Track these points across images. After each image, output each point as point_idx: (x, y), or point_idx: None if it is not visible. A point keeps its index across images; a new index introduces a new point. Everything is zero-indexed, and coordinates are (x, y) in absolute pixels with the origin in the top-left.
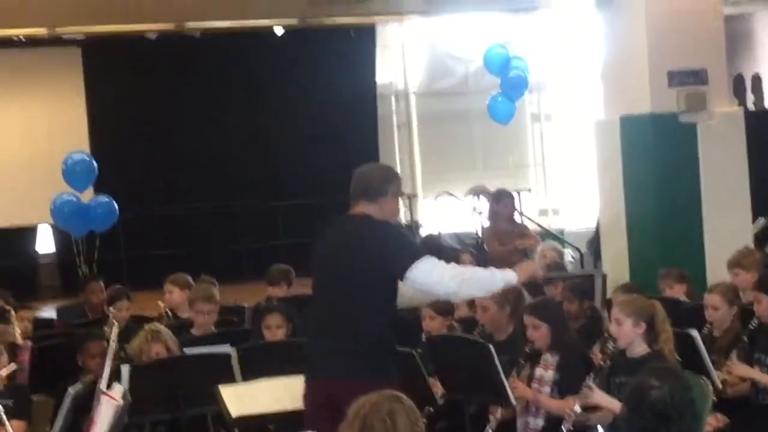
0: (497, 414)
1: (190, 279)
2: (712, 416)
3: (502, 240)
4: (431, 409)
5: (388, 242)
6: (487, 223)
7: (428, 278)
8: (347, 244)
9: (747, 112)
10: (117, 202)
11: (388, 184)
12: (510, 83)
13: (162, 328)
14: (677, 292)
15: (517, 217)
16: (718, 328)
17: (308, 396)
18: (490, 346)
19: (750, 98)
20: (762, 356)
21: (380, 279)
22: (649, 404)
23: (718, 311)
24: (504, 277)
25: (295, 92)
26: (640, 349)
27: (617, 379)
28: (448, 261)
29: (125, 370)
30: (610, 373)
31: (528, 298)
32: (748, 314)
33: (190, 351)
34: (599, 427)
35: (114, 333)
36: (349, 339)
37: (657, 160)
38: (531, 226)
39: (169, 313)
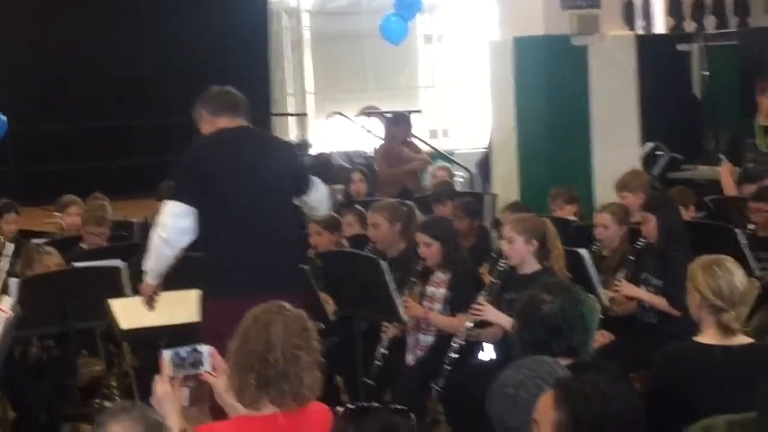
0: (389, 331)
1: (79, 200)
2: (598, 333)
3: (393, 161)
4: (322, 325)
5: (297, 155)
6: (378, 144)
7: (320, 193)
8: (263, 158)
9: (637, 37)
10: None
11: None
12: (403, 3)
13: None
14: (567, 212)
15: (410, 141)
16: (607, 247)
17: (220, 311)
18: (382, 262)
19: (640, 24)
20: (648, 276)
21: (292, 193)
22: (540, 318)
23: (607, 230)
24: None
25: (185, 7)
26: (531, 266)
27: (507, 296)
28: (338, 180)
29: (13, 283)
30: (500, 290)
31: (420, 216)
32: (637, 235)
33: (79, 265)
34: (487, 345)
35: (9, 249)
36: (280, 253)
37: (549, 82)
38: (422, 147)
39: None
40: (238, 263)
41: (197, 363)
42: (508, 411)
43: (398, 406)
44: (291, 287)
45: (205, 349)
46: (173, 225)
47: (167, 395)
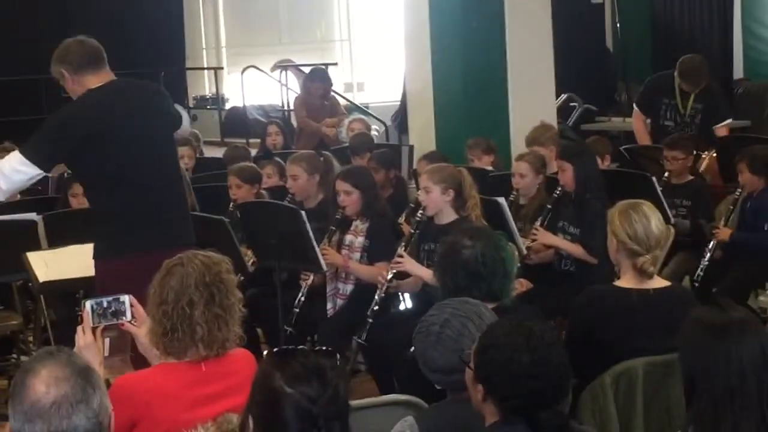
0: (308, 280)
1: None
2: (517, 281)
3: (312, 113)
4: (242, 276)
5: (166, 100)
6: (294, 97)
7: (186, 122)
8: (151, 109)
9: None
10: None
11: None
12: None
13: None
14: (485, 162)
15: (331, 96)
16: (524, 196)
17: (115, 271)
18: (301, 212)
19: None
20: (565, 224)
21: (173, 140)
22: (461, 263)
23: (524, 179)
24: None
25: None
26: (448, 216)
27: (426, 246)
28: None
29: None
30: (419, 241)
31: (338, 167)
32: (553, 184)
33: None
34: (406, 295)
35: None
36: (181, 205)
37: (464, 33)
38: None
39: None
40: (134, 222)
41: (119, 312)
42: (433, 350)
43: (323, 347)
44: (187, 242)
45: (127, 299)
46: (17, 181)
47: (89, 345)
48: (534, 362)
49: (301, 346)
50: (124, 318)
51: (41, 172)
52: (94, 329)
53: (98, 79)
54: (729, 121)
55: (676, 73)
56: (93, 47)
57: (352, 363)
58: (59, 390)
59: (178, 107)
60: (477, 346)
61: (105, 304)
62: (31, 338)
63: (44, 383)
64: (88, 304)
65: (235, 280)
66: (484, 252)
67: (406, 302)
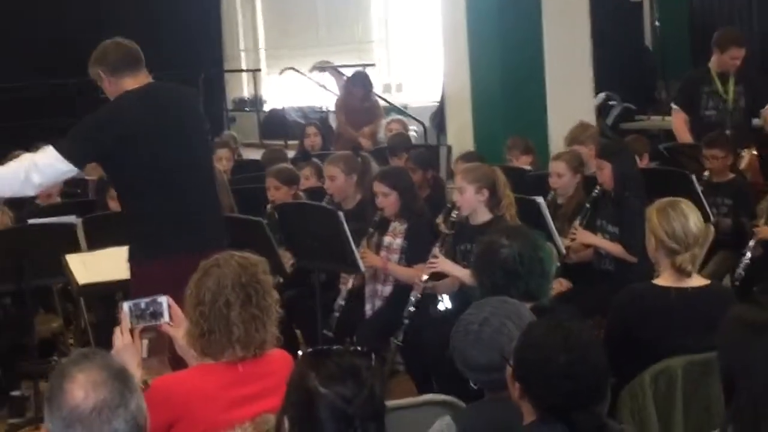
0: (347, 282)
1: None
2: (556, 281)
3: (351, 116)
4: (280, 278)
5: (199, 106)
6: (335, 99)
7: None
8: (183, 112)
9: None
10: None
11: None
12: None
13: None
14: (523, 162)
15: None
16: (562, 195)
17: (150, 274)
18: (339, 213)
19: None
20: (604, 223)
21: (209, 143)
22: (499, 262)
23: (562, 178)
24: None
25: None
26: (482, 215)
27: (462, 247)
28: (293, 136)
29: None
30: (454, 242)
31: (375, 168)
32: (592, 183)
33: (34, 222)
34: (444, 296)
35: None
36: (214, 208)
37: (501, 33)
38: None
39: None
40: (168, 225)
41: (157, 314)
42: (472, 348)
43: (359, 348)
44: (220, 245)
45: (165, 300)
46: (50, 175)
47: (127, 347)
48: (571, 363)
49: (336, 346)
50: (162, 319)
51: (73, 168)
52: (131, 331)
53: (135, 81)
54: None
55: (714, 55)
56: (130, 49)
57: (390, 364)
58: (98, 395)
59: None
60: (516, 345)
61: (143, 306)
62: (71, 340)
63: (82, 388)
64: (126, 305)
65: (271, 281)
66: (521, 251)
67: (445, 303)
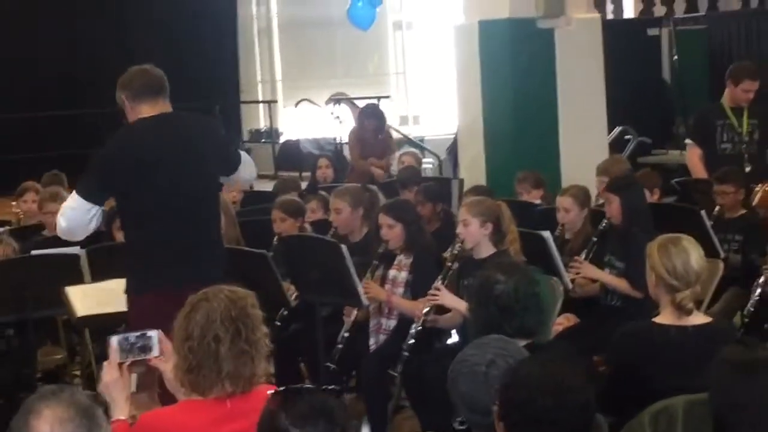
0: (351, 315)
1: (38, 186)
2: (562, 316)
3: (366, 148)
4: (285, 311)
5: (224, 136)
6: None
7: (250, 167)
8: (191, 145)
9: (603, 21)
10: None
11: None
12: None
13: (3, 232)
14: (534, 196)
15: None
16: (570, 230)
17: (144, 306)
18: (342, 246)
19: (610, 8)
20: (611, 258)
21: (217, 177)
22: (494, 298)
23: (569, 213)
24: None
25: None
26: (486, 249)
27: (465, 281)
28: (307, 167)
29: None
30: (459, 276)
31: (383, 200)
32: (600, 217)
33: (37, 253)
34: (453, 332)
35: None
36: (214, 243)
37: (514, 66)
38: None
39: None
40: (164, 258)
41: (146, 348)
42: (479, 391)
43: (331, 387)
44: (216, 278)
45: (155, 334)
46: (73, 218)
47: (115, 381)
48: (554, 407)
49: (307, 385)
50: (151, 353)
51: (92, 206)
52: (120, 365)
53: (153, 109)
54: None
55: (727, 89)
56: (154, 77)
57: (396, 399)
58: (64, 431)
59: (245, 158)
60: (502, 383)
61: (132, 340)
62: (77, 373)
63: (48, 424)
64: (114, 339)
65: (260, 315)
66: (517, 287)
67: (453, 336)
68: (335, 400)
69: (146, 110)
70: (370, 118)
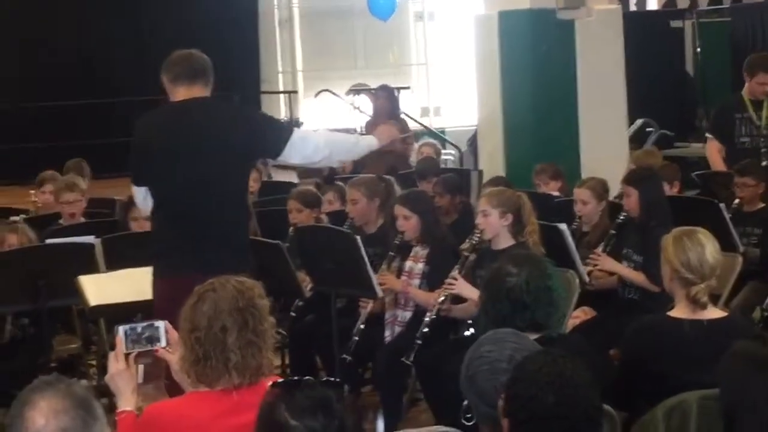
0: (367, 307)
1: (58, 175)
2: (579, 310)
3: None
4: (300, 302)
5: (259, 122)
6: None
7: (306, 149)
8: (210, 131)
9: (626, 13)
10: None
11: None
12: None
13: (19, 221)
14: (552, 188)
15: (398, 114)
16: (587, 223)
17: (165, 290)
18: (357, 237)
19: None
20: (630, 251)
21: (248, 163)
22: (505, 291)
23: (587, 206)
24: (366, 142)
25: None
26: (505, 241)
27: (481, 272)
28: None
29: None
30: (475, 266)
31: (399, 191)
32: (618, 210)
33: (52, 242)
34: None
35: None
36: (228, 233)
37: (534, 57)
38: (412, 125)
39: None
40: (175, 244)
41: (153, 338)
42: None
43: (330, 379)
44: (230, 267)
45: (162, 325)
46: (139, 200)
47: (121, 373)
48: (558, 403)
49: (306, 377)
50: (158, 344)
51: (141, 188)
52: (127, 356)
53: (188, 93)
54: None
55: (746, 82)
56: (196, 61)
57: (411, 391)
58: (59, 422)
59: (303, 138)
60: (508, 378)
61: (139, 330)
62: (93, 362)
63: (43, 415)
64: (121, 329)
65: (268, 306)
66: (528, 280)
67: (469, 329)
68: (334, 393)
69: (180, 94)
70: (379, 98)
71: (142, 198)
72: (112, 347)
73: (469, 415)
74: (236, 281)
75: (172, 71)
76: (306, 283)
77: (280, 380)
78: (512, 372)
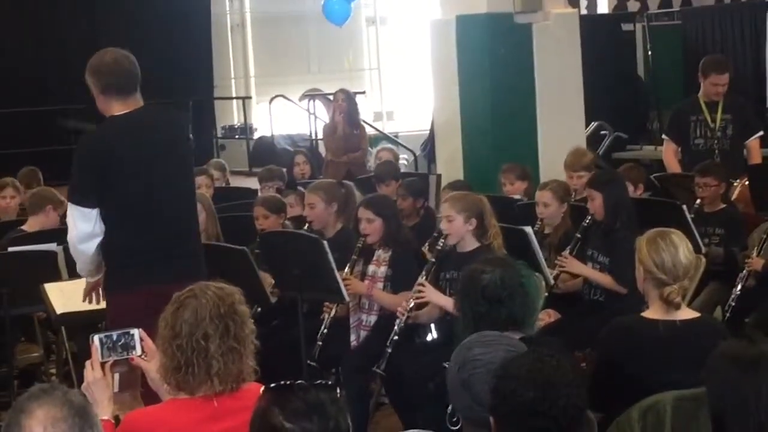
0: (331, 312)
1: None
2: (544, 312)
3: (339, 144)
4: (259, 309)
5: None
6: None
7: None
8: (164, 140)
9: (581, 16)
10: None
11: None
12: None
13: None
14: (517, 188)
15: (358, 120)
16: (549, 225)
17: (120, 304)
18: (323, 241)
19: (584, 2)
20: (595, 253)
21: (192, 173)
22: (480, 289)
23: (548, 208)
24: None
25: None
26: (470, 244)
27: (447, 275)
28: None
29: None
30: (439, 269)
31: (359, 196)
32: (579, 212)
33: (13, 249)
34: (431, 326)
35: None
36: (192, 238)
37: (492, 61)
38: (368, 130)
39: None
40: (142, 256)
41: (128, 347)
42: None
43: (324, 382)
44: (194, 276)
45: (136, 332)
46: (76, 229)
47: (97, 381)
48: (539, 399)
49: (299, 381)
50: (134, 352)
51: (85, 209)
52: (102, 364)
53: (124, 106)
54: (761, 133)
55: (701, 83)
56: (126, 71)
57: (377, 396)
58: (56, 431)
59: None
60: (494, 375)
61: (114, 338)
62: (54, 371)
63: (41, 424)
64: (96, 338)
65: (248, 312)
66: (503, 276)
67: (433, 333)
68: (327, 395)
69: (117, 107)
70: (336, 100)
71: (84, 219)
72: (73, 355)
73: (455, 419)
74: (216, 287)
75: (100, 80)
76: (267, 283)
77: (273, 385)
78: (498, 370)
